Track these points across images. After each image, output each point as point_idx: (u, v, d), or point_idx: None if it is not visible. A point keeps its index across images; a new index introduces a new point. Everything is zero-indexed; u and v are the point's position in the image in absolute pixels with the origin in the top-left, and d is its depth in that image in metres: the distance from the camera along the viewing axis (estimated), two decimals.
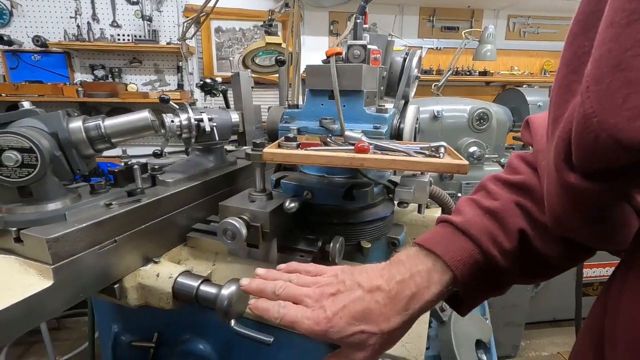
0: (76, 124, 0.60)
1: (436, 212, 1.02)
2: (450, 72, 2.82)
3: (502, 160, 2.15)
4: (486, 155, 2.04)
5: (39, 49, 3.26)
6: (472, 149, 2.02)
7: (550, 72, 4.32)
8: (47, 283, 0.52)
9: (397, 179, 0.83)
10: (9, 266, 0.54)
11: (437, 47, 3.86)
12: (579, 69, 0.30)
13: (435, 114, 2.02)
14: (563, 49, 0.33)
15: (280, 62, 1.17)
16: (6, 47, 3.21)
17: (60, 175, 0.59)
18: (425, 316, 0.62)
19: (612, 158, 0.27)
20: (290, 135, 0.69)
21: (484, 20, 4.02)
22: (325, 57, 0.77)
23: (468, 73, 4.02)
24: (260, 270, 0.51)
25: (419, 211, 0.93)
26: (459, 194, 1.99)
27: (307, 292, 0.46)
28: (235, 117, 0.90)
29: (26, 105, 0.57)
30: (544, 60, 4.35)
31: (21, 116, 0.56)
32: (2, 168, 0.52)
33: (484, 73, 4.05)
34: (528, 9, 4.03)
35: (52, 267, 0.52)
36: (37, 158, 0.52)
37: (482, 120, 2.06)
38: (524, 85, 3.80)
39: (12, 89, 3.06)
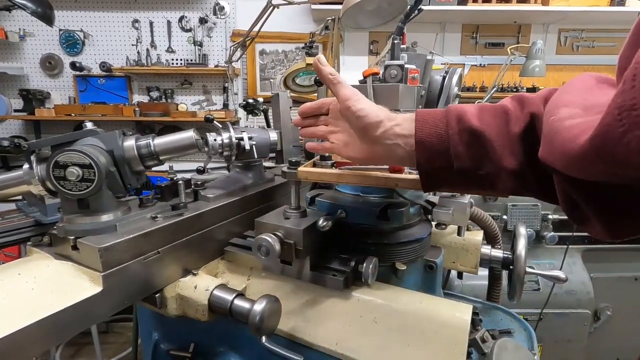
0: (130, 142, 0.65)
1: (477, 235, 0.97)
2: (495, 88, 2.71)
3: None
4: None
5: (104, 73, 3.63)
6: None
7: None
8: (97, 289, 0.56)
9: (435, 199, 0.81)
10: (66, 272, 0.59)
11: (480, 64, 3.74)
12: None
13: None
14: None
15: (318, 82, 1.20)
16: (78, 73, 3.60)
17: (114, 189, 0.64)
18: (464, 347, 0.59)
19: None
20: (326, 154, 0.70)
21: (532, 35, 3.85)
22: (362, 77, 0.78)
23: (515, 90, 3.84)
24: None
25: (459, 233, 0.89)
26: (504, 216, 1.88)
27: None
28: (273, 135, 0.94)
29: (89, 125, 0.64)
30: None
31: (84, 135, 0.62)
32: (66, 182, 0.58)
33: (532, 89, 3.85)
34: (581, 22, 3.80)
35: (102, 274, 0.56)
36: (95, 173, 0.58)
37: None
38: None
39: (80, 110, 3.41)
